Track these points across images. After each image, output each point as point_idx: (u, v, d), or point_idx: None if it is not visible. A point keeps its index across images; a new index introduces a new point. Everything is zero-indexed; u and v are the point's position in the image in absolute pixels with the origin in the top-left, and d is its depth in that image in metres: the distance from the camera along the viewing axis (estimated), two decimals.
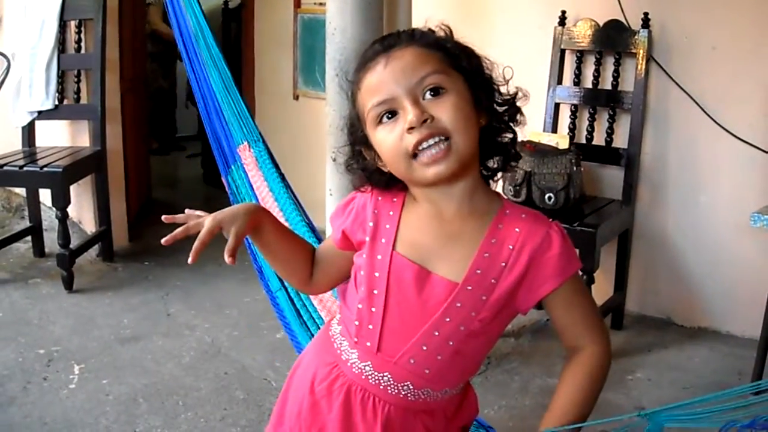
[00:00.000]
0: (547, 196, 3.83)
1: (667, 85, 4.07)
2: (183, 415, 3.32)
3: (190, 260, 1.59)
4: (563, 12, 4.25)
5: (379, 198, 1.64)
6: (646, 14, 3.99)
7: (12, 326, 4.11)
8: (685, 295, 4.22)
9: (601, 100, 4.22)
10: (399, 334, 1.56)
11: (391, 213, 1.62)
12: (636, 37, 4.03)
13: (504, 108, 1.60)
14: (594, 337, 1.60)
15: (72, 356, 3.79)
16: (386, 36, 1.59)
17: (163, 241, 1.65)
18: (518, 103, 1.62)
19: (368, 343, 1.59)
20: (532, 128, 4.14)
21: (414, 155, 1.50)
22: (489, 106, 1.58)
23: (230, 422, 3.27)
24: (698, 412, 1.28)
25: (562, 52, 4.30)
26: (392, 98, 1.49)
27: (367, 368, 1.60)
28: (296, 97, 5.72)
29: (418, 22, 1.68)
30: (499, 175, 1.66)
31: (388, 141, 1.51)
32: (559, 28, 4.27)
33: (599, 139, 4.23)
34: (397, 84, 1.49)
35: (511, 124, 1.62)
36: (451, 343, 1.55)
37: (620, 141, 4.17)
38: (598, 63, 4.21)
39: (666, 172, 4.17)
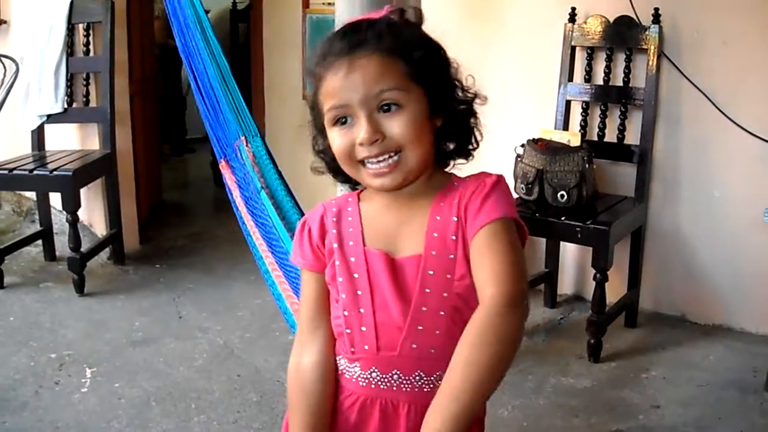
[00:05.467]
0: (559, 194, 3.81)
1: (678, 81, 4.05)
2: (196, 418, 3.30)
3: None
4: (573, 8, 4.22)
5: (334, 209, 1.66)
6: (656, 10, 3.96)
7: (24, 330, 4.10)
8: (699, 292, 4.20)
9: (612, 96, 4.20)
10: (392, 325, 1.55)
11: (350, 219, 1.64)
12: (647, 32, 4.01)
13: (462, 108, 1.60)
14: (497, 281, 1.44)
15: (84, 360, 3.78)
16: (353, 28, 1.55)
17: None
18: (476, 104, 1.62)
19: (366, 347, 1.57)
20: (543, 126, 4.13)
21: (362, 162, 1.53)
22: (447, 107, 1.58)
23: (243, 425, 3.26)
24: None
25: (573, 48, 4.28)
26: (347, 105, 1.50)
27: (374, 374, 1.58)
28: (305, 98, 5.69)
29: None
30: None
31: (339, 144, 1.54)
32: (569, 24, 4.25)
33: (611, 136, 4.21)
34: (354, 94, 1.49)
35: (469, 123, 1.62)
36: (442, 312, 1.53)
37: (632, 138, 4.14)
38: (609, 59, 4.19)
39: (678, 169, 4.14)
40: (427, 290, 1.53)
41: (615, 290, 4.03)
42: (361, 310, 1.57)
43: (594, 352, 3.78)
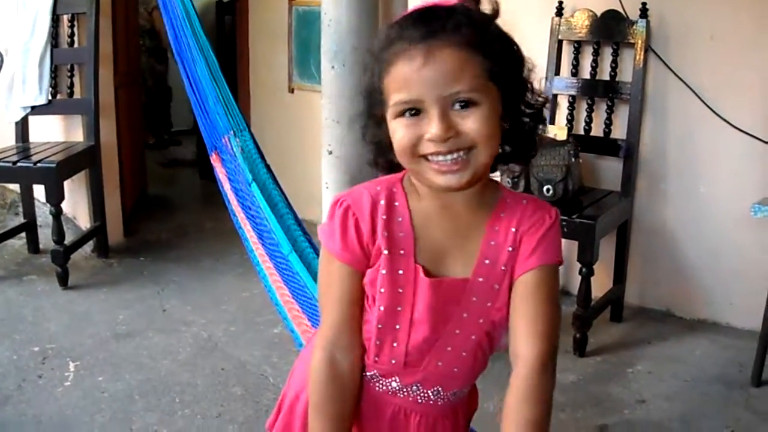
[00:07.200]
0: (545, 188, 3.80)
1: (665, 76, 4.05)
2: (180, 411, 3.29)
3: None
4: (560, 2, 4.21)
5: (382, 202, 1.53)
6: (644, 4, 3.96)
7: (6, 323, 4.08)
8: (685, 287, 4.20)
9: (599, 90, 4.19)
10: (422, 343, 1.52)
11: (400, 220, 1.52)
12: (634, 27, 4.00)
13: (530, 112, 1.51)
14: (534, 339, 1.47)
15: (67, 353, 3.76)
16: (428, 14, 1.42)
17: None
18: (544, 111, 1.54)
19: (393, 361, 1.55)
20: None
21: (425, 157, 1.42)
22: (516, 109, 1.49)
23: (227, 419, 3.24)
24: None
25: (560, 42, 4.27)
26: (420, 101, 1.39)
27: (394, 384, 1.57)
28: (292, 91, 5.69)
29: None
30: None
31: (404, 137, 1.42)
32: (557, 18, 4.24)
33: (597, 130, 4.20)
34: (429, 90, 1.37)
35: (536, 128, 1.54)
36: (473, 337, 1.53)
37: (619, 132, 4.14)
38: (596, 53, 4.18)
39: (665, 163, 4.14)
40: (465, 315, 1.51)
41: (601, 285, 4.03)
42: (397, 327, 1.52)
43: (580, 347, 3.78)
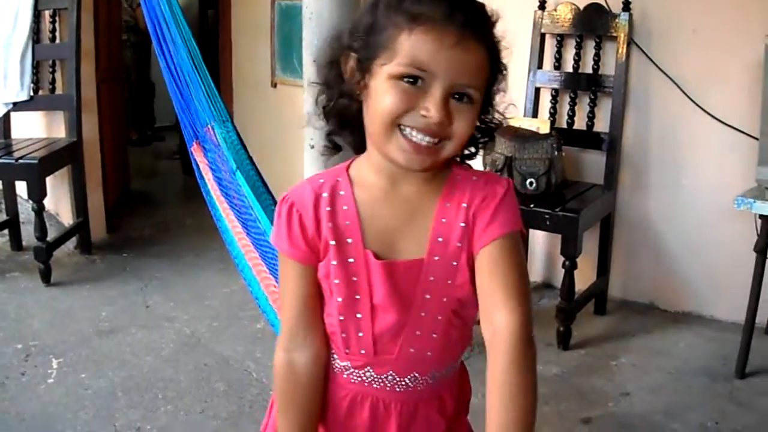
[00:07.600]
0: (528, 182, 3.80)
1: (648, 69, 4.05)
2: (163, 408, 3.27)
3: None
4: None
5: (325, 194, 1.51)
6: None
7: None
8: (668, 280, 4.21)
9: (581, 84, 4.20)
10: (390, 330, 1.50)
11: (345, 208, 1.50)
12: (617, 20, 4.01)
13: (483, 127, 1.53)
14: (512, 306, 1.42)
15: (50, 350, 3.74)
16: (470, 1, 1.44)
17: None
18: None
19: (362, 351, 1.52)
20: (512, 113, 4.11)
21: (400, 128, 1.39)
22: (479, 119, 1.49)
23: (211, 414, 3.23)
24: None
25: (542, 36, 4.27)
26: (432, 76, 1.36)
27: (369, 374, 1.54)
28: (274, 85, 5.68)
29: None
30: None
31: (396, 102, 1.38)
32: (539, 11, 4.24)
33: (580, 124, 4.21)
34: (445, 71, 1.36)
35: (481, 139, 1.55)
36: (439, 317, 1.50)
37: (601, 125, 4.14)
38: (579, 47, 4.18)
39: (648, 156, 4.14)
40: (427, 296, 1.49)
41: (584, 278, 4.03)
42: (358, 315, 1.50)
43: (563, 340, 3.79)
